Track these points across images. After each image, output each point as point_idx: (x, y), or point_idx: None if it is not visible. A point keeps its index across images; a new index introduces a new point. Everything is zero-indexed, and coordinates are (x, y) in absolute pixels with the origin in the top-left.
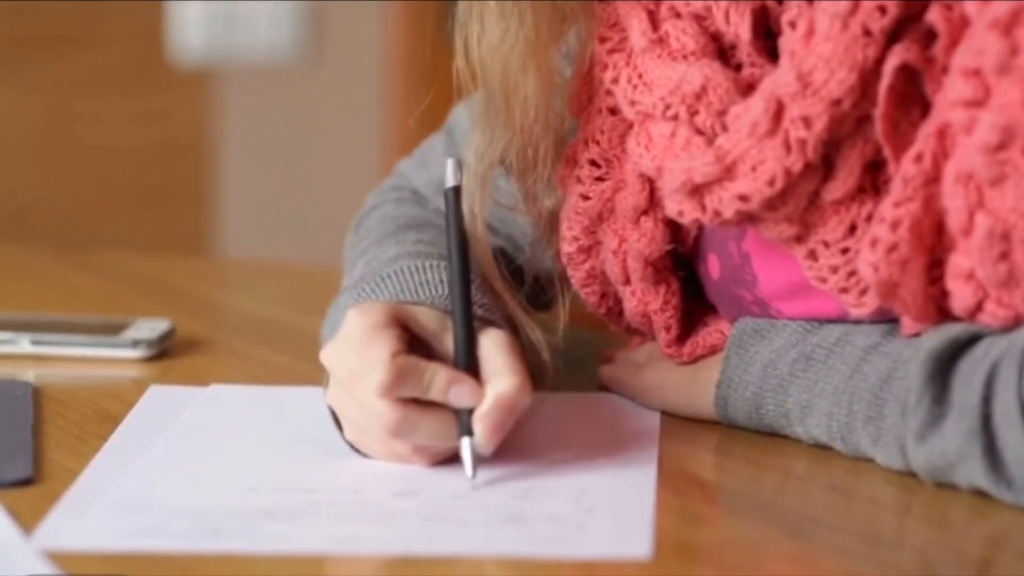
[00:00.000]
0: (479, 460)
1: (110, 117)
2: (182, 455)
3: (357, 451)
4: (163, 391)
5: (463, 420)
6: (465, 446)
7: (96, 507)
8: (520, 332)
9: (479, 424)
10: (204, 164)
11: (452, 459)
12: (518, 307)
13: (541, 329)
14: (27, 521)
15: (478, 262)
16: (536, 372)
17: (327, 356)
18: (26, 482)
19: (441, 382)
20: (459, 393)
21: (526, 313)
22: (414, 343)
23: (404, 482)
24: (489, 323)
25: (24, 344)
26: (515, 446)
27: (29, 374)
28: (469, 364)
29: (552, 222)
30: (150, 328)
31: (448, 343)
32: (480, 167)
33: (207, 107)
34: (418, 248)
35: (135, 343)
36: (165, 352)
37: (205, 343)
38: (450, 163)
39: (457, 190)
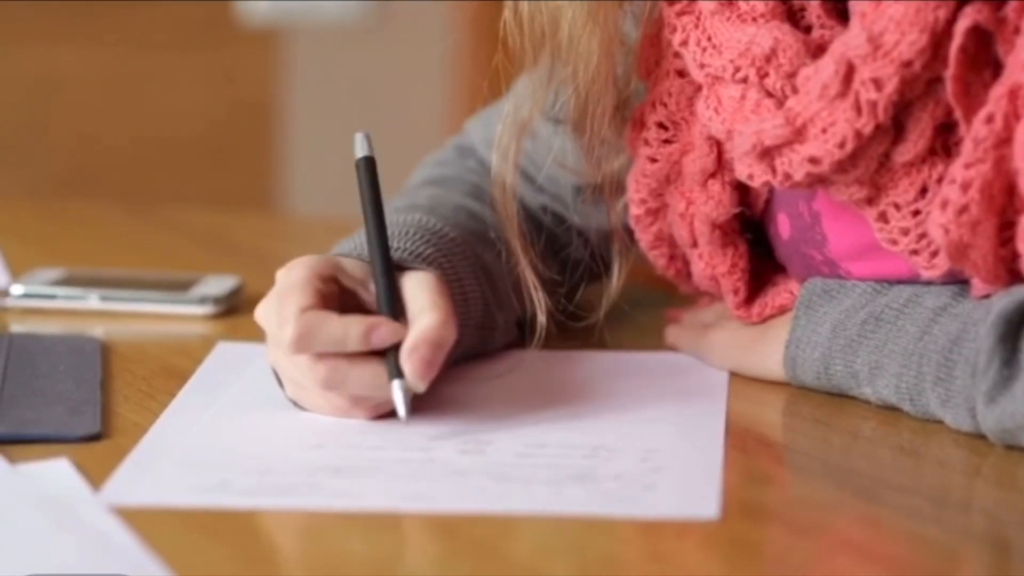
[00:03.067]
0: (413, 398)
1: (178, 74)
2: (249, 412)
3: (301, 408)
4: (230, 348)
5: (390, 363)
6: (396, 388)
7: (163, 463)
8: (524, 292)
9: (407, 363)
10: (271, 122)
11: (519, 417)
12: (528, 265)
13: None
14: (95, 476)
15: (498, 214)
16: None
17: (258, 314)
18: (94, 438)
19: (357, 331)
20: (379, 335)
21: (536, 273)
22: (346, 295)
23: (471, 441)
24: (413, 269)
25: (93, 300)
26: (583, 405)
27: (98, 330)
28: (391, 307)
29: (613, 184)
30: (218, 285)
31: (373, 290)
32: (518, 117)
33: (275, 65)
34: (415, 202)
35: (203, 299)
36: (233, 309)
37: None
38: (358, 136)
39: (369, 160)
